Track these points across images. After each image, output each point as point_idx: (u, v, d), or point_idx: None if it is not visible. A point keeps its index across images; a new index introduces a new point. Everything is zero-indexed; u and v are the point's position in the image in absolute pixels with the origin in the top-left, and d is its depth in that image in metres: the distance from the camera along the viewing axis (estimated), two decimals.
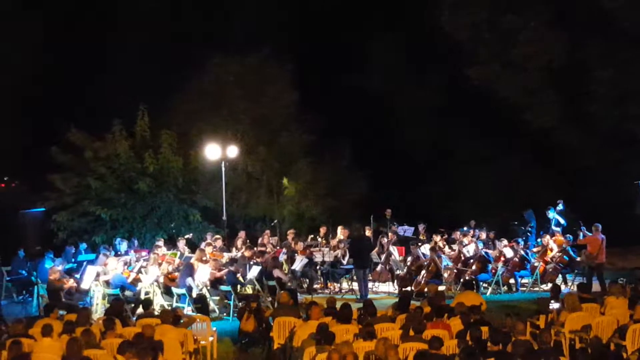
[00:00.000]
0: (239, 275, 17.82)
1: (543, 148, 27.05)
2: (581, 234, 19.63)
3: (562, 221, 22.01)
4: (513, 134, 27.41)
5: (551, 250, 19.94)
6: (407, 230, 22.48)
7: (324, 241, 21.27)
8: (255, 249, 19.29)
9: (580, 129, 24.80)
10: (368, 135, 29.39)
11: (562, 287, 17.74)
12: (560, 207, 22.25)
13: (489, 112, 27.29)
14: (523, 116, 25.70)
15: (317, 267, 20.24)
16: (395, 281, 20.02)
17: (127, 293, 16.69)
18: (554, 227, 21.72)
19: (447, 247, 21.08)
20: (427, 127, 29.45)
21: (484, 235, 21.65)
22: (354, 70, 29.62)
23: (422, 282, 18.58)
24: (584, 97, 24.00)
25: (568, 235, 20.29)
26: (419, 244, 20.84)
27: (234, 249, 20.47)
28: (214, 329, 13.94)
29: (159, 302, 17.07)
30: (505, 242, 20.45)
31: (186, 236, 21.66)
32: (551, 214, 22.25)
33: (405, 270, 19.74)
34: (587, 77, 23.66)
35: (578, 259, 19.65)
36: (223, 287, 17.18)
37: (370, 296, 17.91)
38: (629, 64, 22.91)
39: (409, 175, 29.30)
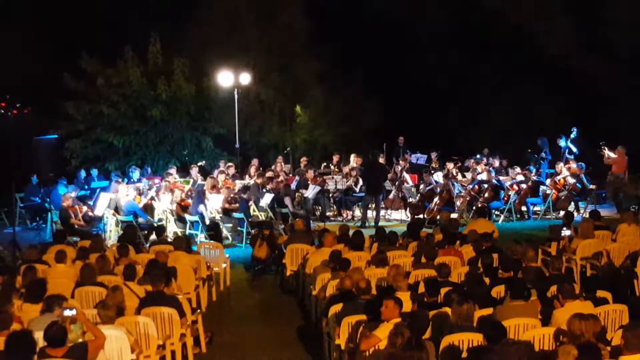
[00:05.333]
0: (251, 203, 17.87)
1: (560, 75, 26.64)
2: (605, 153, 19.40)
3: (574, 149, 21.75)
4: (530, 61, 27.01)
5: (564, 178, 19.81)
6: (420, 158, 22.46)
7: (336, 169, 21.25)
8: (265, 174, 19.28)
9: (597, 55, 24.42)
10: (383, 63, 28.94)
11: (575, 214, 17.65)
12: (573, 134, 21.96)
13: (506, 39, 26.89)
14: (539, 43, 25.30)
15: (330, 195, 20.28)
16: (408, 209, 20.04)
17: (140, 220, 16.75)
18: (567, 155, 21.52)
19: (460, 174, 21.03)
20: (443, 54, 28.97)
21: (497, 163, 21.58)
22: None
23: (435, 209, 18.62)
24: (601, 23, 23.56)
25: (581, 162, 20.11)
26: (432, 171, 20.84)
27: (247, 176, 20.49)
28: (227, 255, 14.08)
29: (172, 229, 17.16)
30: (518, 169, 20.42)
31: (199, 163, 21.68)
32: (562, 142, 22.01)
33: (417, 197, 19.77)
34: (604, 2, 23.21)
35: (591, 186, 19.55)
36: (236, 215, 17.27)
37: (382, 223, 17.94)
38: None
39: (423, 102, 28.99)
